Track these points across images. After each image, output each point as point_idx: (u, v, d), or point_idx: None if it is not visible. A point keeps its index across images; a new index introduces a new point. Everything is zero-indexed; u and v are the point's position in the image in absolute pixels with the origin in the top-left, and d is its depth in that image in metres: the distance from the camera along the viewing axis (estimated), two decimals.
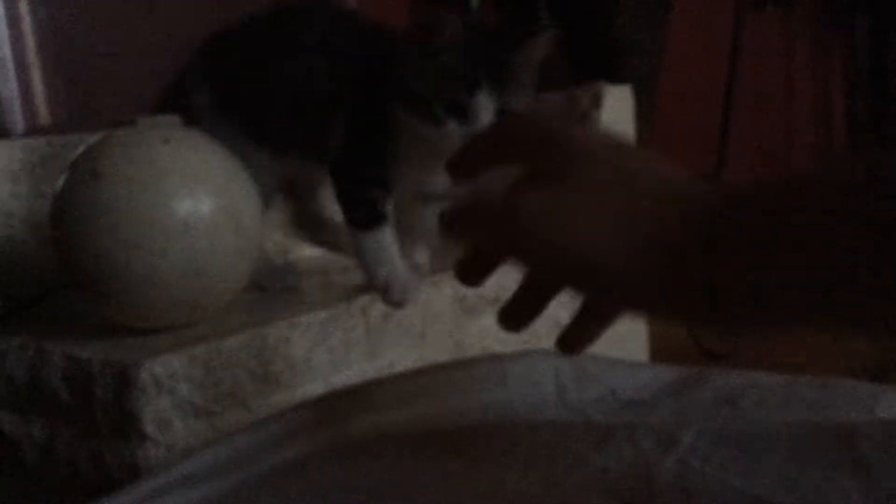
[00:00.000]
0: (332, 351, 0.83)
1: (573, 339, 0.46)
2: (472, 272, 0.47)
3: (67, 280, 0.79)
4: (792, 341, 0.38)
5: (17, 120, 1.17)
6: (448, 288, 0.94)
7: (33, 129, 1.18)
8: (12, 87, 1.16)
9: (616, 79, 1.31)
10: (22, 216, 0.94)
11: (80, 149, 0.77)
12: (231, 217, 0.76)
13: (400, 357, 0.89)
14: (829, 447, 0.45)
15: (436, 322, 0.93)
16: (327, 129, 0.83)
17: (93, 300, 0.78)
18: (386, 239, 0.83)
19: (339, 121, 0.83)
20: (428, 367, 0.62)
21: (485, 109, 0.76)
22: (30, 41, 1.18)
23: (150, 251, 0.72)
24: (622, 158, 0.41)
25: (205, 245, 0.74)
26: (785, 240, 0.35)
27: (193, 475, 0.51)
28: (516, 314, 0.46)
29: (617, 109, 1.25)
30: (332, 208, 0.92)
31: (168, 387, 0.70)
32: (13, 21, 1.16)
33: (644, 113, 1.47)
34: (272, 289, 0.91)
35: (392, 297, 0.83)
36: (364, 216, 0.83)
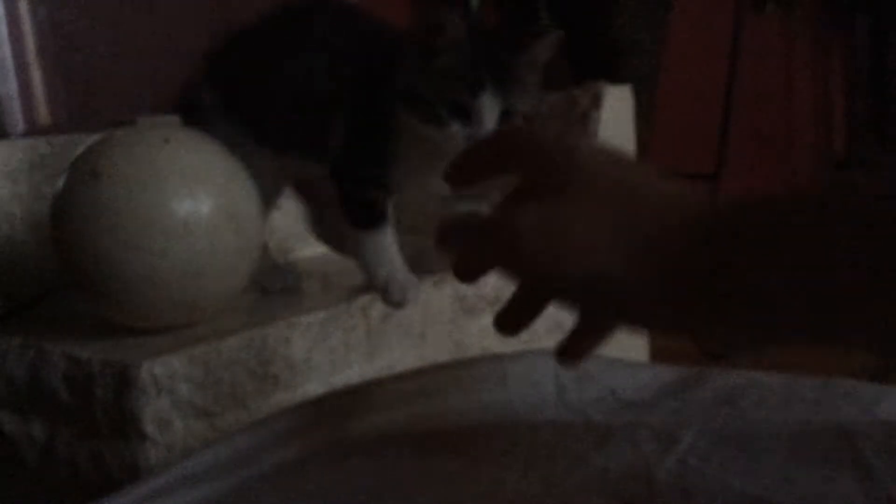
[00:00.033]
0: (332, 351, 0.83)
1: (571, 351, 0.46)
2: (470, 271, 0.47)
3: (67, 280, 0.79)
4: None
5: (17, 120, 1.17)
6: (448, 288, 0.94)
7: (33, 129, 1.18)
8: (12, 87, 1.16)
9: (616, 79, 1.31)
10: (22, 216, 0.94)
11: (80, 149, 0.77)
12: (231, 217, 0.76)
13: (400, 357, 0.89)
14: (829, 447, 0.45)
15: (436, 322, 0.93)
16: (327, 129, 0.83)
17: (93, 300, 0.78)
18: (386, 239, 0.83)
19: (340, 121, 0.83)
20: (428, 367, 0.62)
21: (488, 111, 0.75)
22: (30, 41, 1.18)
23: (150, 251, 0.72)
24: (621, 171, 0.41)
25: (205, 245, 0.74)
26: (786, 242, 0.35)
27: (193, 475, 0.51)
28: (512, 319, 0.46)
29: (617, 109, 1.24)
30: None
31: (168, 387, 0.70)
32: (13, 21, 1.16)
33: (644, 113, 1.47)
34: (272, 289, 0.91)
35: (392, 298, 0.83)
36: (364, 216, 0.83)
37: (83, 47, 1.24)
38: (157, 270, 0.72)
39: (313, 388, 0.80)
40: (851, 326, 0.34)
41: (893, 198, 0.32)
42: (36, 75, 1.19)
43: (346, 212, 0.84)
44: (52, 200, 0.76)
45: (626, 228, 0.38)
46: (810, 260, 0.34)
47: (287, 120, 0.86)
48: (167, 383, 0.70)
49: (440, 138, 0.77)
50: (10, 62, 1.16)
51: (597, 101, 1.18)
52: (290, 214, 1.01)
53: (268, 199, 0.89)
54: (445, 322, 0.94)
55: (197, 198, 0.74)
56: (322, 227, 0.97)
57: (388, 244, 0.83)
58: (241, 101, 0.87)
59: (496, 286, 0.93)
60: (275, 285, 0.92)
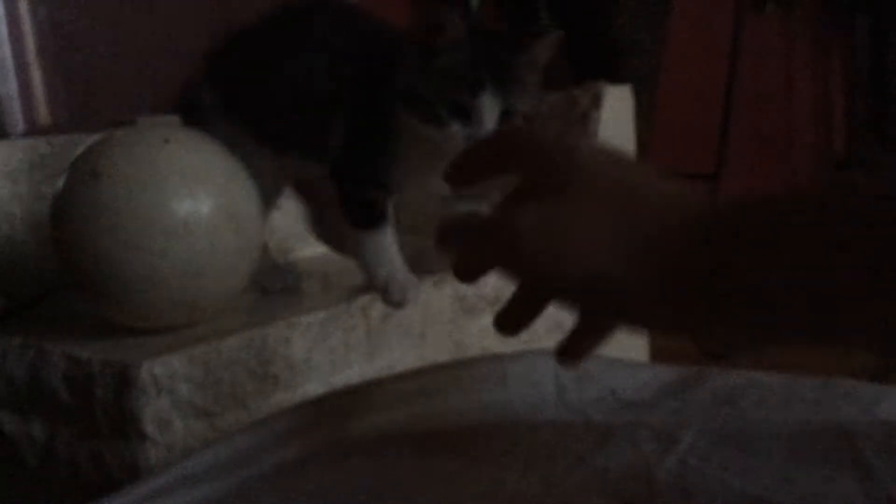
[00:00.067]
0: (332, 351, 0.83)
1: (571, 351, 0.46)
2: (470, 271, 0.47)
3: (67, 280, 0.79)
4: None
5: (17, 120, 1.17)
6: (448, 288, 0.94)
7: (33, 129, 1.18)
8: (12, 87, 1.16)
9: (616, 79, 1.31)
10: (22, 216, 0.94)
11: (80, 149, 0.77)
12: (231, 217, 0.76)
13: (400, 357, 0.89)
14: (829, 447, 0.45)
15: (436, 322, 0.93)
16: (327, 129, 0.83)
17: (93, 300, 0.78)
18: (386, 239, 0.83)
19: (340, 121, 0.83)
20: (428, 367, 0.62)
21: (488, 110, 0.75)
22: (30, 41, 1.18)
23: (150, 251, 0.72)
24: (621, 171, 0.41)
25: (205, 245, 0.74)
26: (786, 242, 0.34)
27: (193, 475, 0.51)
28: (512, 319, 0.46)
29: (617, 109, 1.24)
30: None
31: (168, 387, 0.70)
32: (13, 21, 1.16)
33: (644, 113, 1.47)
34: (272, 289, 0.91)
35: (392, 298, 0.83)
36: (365, 216, 0.83)
37: (83, 47, 1.24)
38: (157, 270, 0.72)
39: (313, 388, 0.80)
40: (851, 326, 0.34)
41: (893, 198, 0.32)
42: (36, 75, 1.19)
43: (346, 212, 0.84)
44: (52, 200, 0.76)
45: (626, 228, 0.38)
46: (810, 260, 0.34)
47: (287, 120, 0.86)
48: (167, 383, 0.70)
49: (440, 138, 0.77)
50: (10, 62, 1.16)
51: (597, 101, 1.18)
52: (290, 214, 1.01)
53: (268, 199, 0.89)
54: (445, 322, 0.94)
55: (197, 198, 0.74)
56: (322, 227, 0.97)
57: (388, 244, 0.83)
58: (241, 101, 0.87)
59: (496, 286, 0.93)
60: (275, 285, 0.92)
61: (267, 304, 0.87)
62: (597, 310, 0.41)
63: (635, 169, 0.42)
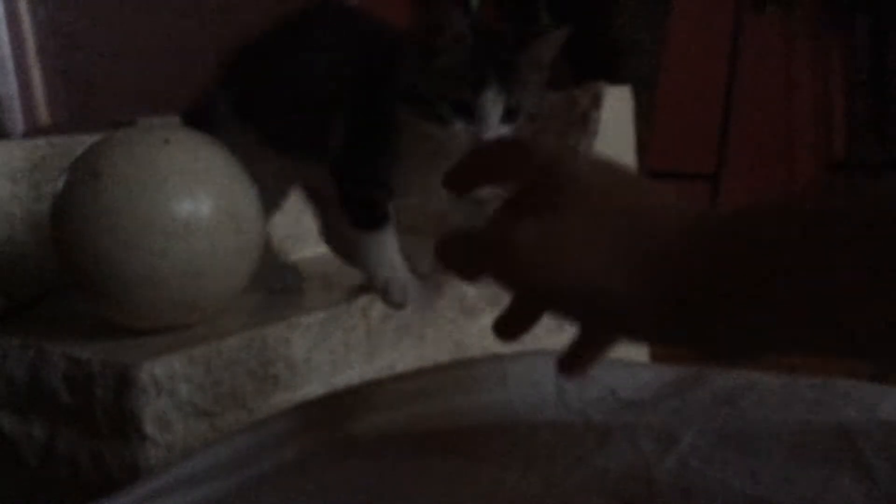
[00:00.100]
0: (333, 351, 0.83)
1: (573, 363, 0.46)
2: (471, 272, 0.47)
3: (67, 280, 0.79)
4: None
5: (17, 120, 1.17)
6: (448, 288, 0.94)
7: (33, 130, 1.18)
8: (12, 87, 1.16)
9: (616, 79, 1.31)
10: (22, 216, 0.94)
11: (81, 149, 0.77)
12: (231, 218, 0.76)
13: (400, 357, 0.89)
14: (829, 447, 0.45)
15: (436, 322, 0.93)
16: (327, 129, 0.83)
17: (93, 300, 0.78)
18: (387, 240, 0.83)
19: (340, 121, 0.83)
20: (428, 368, 0.62)
21: (492, 108, 0.75)
22: (30, 41, 1.18)
23: (150, 251, 0.72)
24: (619, 185, 0.41)
25: (205, 246, 0.74)
26: (787, 249, 0.34)
27: (193, 475, 0.51)
28: (511, 326, 0.46)
29: (617, 109, 1.24)
30: None
31: (168, 387, 0.70)
32: (13, 21, 1.16)
33: (644, 113, 1.47)
34: (272, 289, 0.91)
35: (392, 298, 0.83)
36: (365, 217, 0.83)
37: (83, 47, 1.24)
38: (157, 270, 0.72)
39: (313, 388, 0.80)
40: (851, 326, 0.34)
41: (893, 198, 0.32)
42: (36, 75, 1.19)
43: (347, 212, 0.84)
44: (52, 200, 0.76)
45: (625, 243, 0.38)
46: (810, 260, 0.34)
47: (287, 120, 0.86)
48: (167, 383, 0.70)
49: (444, 137, 0.76)
50: (10, 62, 1.16)
51: (597, 101, 1.18)
52: (290, 214, 1.01)
53: (273, 202, 0.89)
54: (445, 322, 0.94)
55: (197, 198, 0.74)
56: (337, 241, 0.96)
57: (388, 245, 0.83)
58: (254, 107, 0.87)
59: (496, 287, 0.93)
60: (275, 285, 0.92)
61: (267, 305, 0.87)
62: (597, 324, 0.41)
63: (634, 183, 0.42)
